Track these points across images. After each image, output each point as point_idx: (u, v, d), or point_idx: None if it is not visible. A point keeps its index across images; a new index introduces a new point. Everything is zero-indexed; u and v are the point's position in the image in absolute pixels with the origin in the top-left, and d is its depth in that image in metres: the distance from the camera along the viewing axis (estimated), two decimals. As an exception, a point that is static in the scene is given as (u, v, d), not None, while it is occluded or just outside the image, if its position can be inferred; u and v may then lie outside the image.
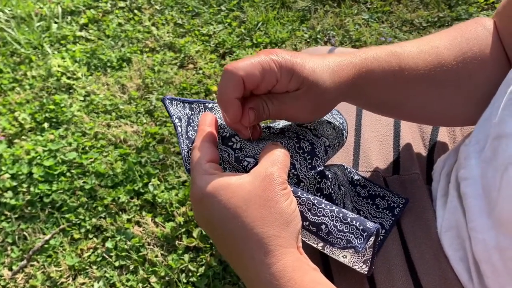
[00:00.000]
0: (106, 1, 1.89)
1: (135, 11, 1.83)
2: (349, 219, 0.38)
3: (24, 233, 1.11)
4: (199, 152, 0.39)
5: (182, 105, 0.46)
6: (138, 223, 1.12)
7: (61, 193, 1.18)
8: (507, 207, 0.38)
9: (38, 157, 1.27)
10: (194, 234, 1.07)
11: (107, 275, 1.03)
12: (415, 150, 0.58)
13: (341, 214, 0.38)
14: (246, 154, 0.41)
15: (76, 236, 1.10)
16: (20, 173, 1.23)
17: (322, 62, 0.40)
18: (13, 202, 1.16)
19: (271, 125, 0.47)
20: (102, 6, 1.86)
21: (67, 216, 1.13)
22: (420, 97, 0.47)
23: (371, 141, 0.60)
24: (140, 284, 1.00)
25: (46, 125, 1.38)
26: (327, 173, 0.43)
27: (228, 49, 1.61)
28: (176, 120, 0.44)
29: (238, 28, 1.70)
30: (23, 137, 1.36)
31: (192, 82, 1.48)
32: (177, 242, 1.06)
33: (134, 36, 1.70)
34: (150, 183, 1.18)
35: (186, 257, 1.03)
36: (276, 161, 0.38)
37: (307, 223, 0.39)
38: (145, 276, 1.01)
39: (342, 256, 0.40)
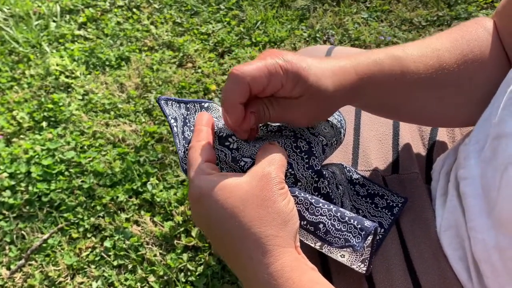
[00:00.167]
0: (104, 0, 1.88)
1: (134, 9, 1.82)
2: (347, 218, 0.38)
3: (22, 232, 1.11)
4: (196, 152, 0.39)
5: (178, 105, 0.46)
6: (136, 222, 1.12)
7: (60, 192, 1.18)
8: (506, 207, 0.38)
9: (37, 156, 1.26)
10: (193, 233, 1.07)
11: (105, 274, 1.03)
12: (414, 149, 0.58)
13: (339, 213, 0.38)
14: (243, 154, 0.41)
15: (75, 235, 1.10)
16: (18, 172, 1.23)
17: (326, 68, 0.40)
18: (11, 201, 1.16)
19: (268, 122, 0.47)
20: (100, 5, 1.86)
21: (65, 215, 1.13)
22: (420, 100, 0.47)
23: (370, 140, 0.60)
24: (138, 284, 1.00)
25: (44, 124, 1.37)
26: (324, 172, 0.43)
27: (227, 48, 1.61)
28: (172, 121, 0.44)
29: (237, 27, 1.70)
30: (21, 136, 1.35)
31: (191, 81, 1.48)
32: (175, 241, 1.06)
33: (133, 35, 1.69)
34: (149, 182, 1.18)
35: (185, 256, 1.03)
36: (273, 160, 0.38)
37: (305, 222, 0.39)
38: (144, 275, 1.01)
39: (340, 255, 0.40)
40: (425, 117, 0.51)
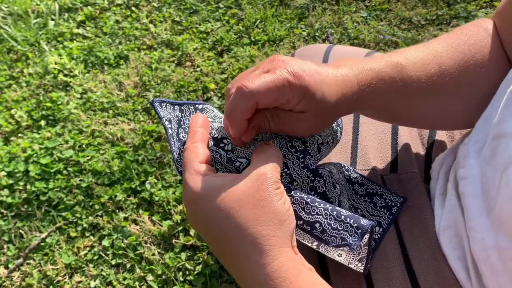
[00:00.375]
0: (103, -2, 1.88)
1: (133, 8, 1.82)
2: (343, 216, 0.38)
3: (20, 231, 1.11)
4: (191, 154, 0.39)
5: (172, 107, 0.46)
6: (135, 221, 1.11)
7: (58, 191, 1.18)
8: (506, 207, 0.38)
9: (35, 155, 1.26)
10: (191, 233, 1.06)
11: (103, 273, 1.02)
12: (413, 149, 0.58)
13: (334, 212, 0.38)
14: (238, 155, 0.41)
15: (73, 234, 1.09)
16: (16, 171, 1.22)
17: (331, 82, 0.39)
18: (9, 200, 1.16)
19: None
20: (99, 3, 1.85)
21: (63, 214, 1.13)
22: (420, 106, 0.47)
23: (369, 139, 0.60)
24: (136, 283, 1.00)
25: (42, 122, 1.37)
26: (320, 171, 0.43)
27: (226, 47, 1.61)
28: (166, 122, 0.44)
29: (236, 25, 1.69)
30: (19, 134, 1.35)
31: (190, 80, 1.47)
32: (174, 240, 1.06)
33: (132, 33, 1.69)
34: (147, 181, 1.18)
35: (183, 255, 1.02)
36: (268, 160, 0.38)
37: (301, 222, 0.39)
38: (142, 274, 1.01)
39: (337, 254, 0.40)
40: (425, 122, 0.51)
